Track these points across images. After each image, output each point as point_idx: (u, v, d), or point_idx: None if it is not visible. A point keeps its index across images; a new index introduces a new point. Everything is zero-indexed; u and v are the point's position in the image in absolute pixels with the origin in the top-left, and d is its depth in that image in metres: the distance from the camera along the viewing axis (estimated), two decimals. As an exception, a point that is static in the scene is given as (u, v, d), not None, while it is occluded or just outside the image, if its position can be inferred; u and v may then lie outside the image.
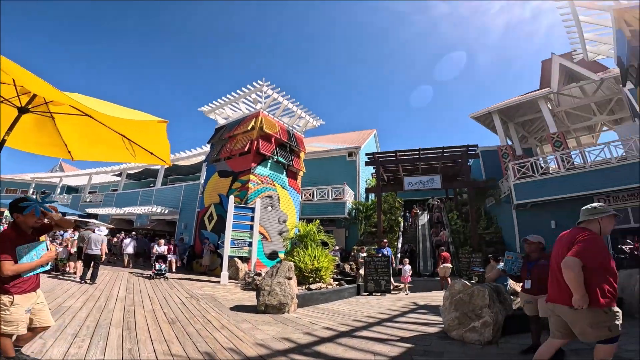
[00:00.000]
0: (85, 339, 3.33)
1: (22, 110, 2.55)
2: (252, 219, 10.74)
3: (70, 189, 29.99)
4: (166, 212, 17.30)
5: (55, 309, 4.57)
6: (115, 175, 25.24)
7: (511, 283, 6.21)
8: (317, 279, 8.05)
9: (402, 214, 17.79)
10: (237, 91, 13.94)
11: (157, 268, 9.56)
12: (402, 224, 17.22)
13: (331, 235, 10.79)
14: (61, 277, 8.55)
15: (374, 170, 18.51)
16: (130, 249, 13.07)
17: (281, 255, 12.74)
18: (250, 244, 10.45)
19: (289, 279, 5.73)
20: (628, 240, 9.58)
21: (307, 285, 7.72)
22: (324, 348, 3.70)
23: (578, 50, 10.02)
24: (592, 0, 8.24)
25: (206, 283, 9.28)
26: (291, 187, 14.41)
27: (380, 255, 9.58)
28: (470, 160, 16.15)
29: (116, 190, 23.23)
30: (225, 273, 9.70)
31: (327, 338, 4.13)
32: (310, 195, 17.64)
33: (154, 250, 10.86)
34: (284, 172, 14.14)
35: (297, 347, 3.71)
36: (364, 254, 12.08)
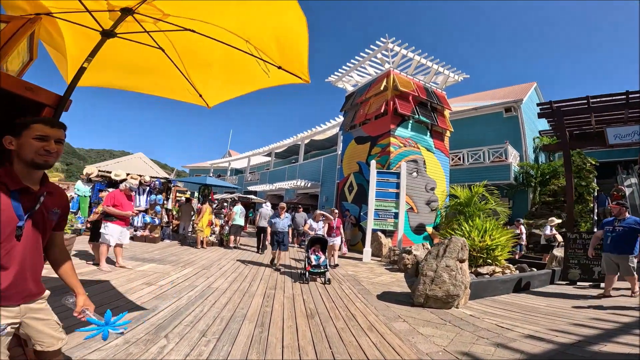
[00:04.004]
0: (211, 340, 2.76)
1: (106, 34, 2.02)
2: (397, 186, 9.43)
3: (237, 171, 35.92)
4: (309, 185, 18.00)
5: (202, 291, 4.40)
6: (266, 155, 28.70)
7: None
8: (489, 261, 6.18)
9: (596, 196, 12.59)
10: (361, 54, 12.60)
11: (314, 263, 5.69)
12: (596, 205, 12.18)
13: (504, 203, 8.31)
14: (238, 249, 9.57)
15: (543, 128, 14.18)
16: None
17: (429, 229, 11.12)
18: (396, 216, 9.23)
19: (462, 261, 4.20)
20: None
21: (474, 269, 6.01)
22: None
23: None
24: None
25: (347, 260, 8.57)
26: (438, 149, 12.33)
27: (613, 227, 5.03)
28: None
29: (268, 169, 26.19)
30: (367, 249, 8.81)
31: (542, 357, 2.50)
32: (459, 159, 14.96)
33: (306, 228, 7.12)
34: (428, 133, 12.16)
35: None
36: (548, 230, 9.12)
